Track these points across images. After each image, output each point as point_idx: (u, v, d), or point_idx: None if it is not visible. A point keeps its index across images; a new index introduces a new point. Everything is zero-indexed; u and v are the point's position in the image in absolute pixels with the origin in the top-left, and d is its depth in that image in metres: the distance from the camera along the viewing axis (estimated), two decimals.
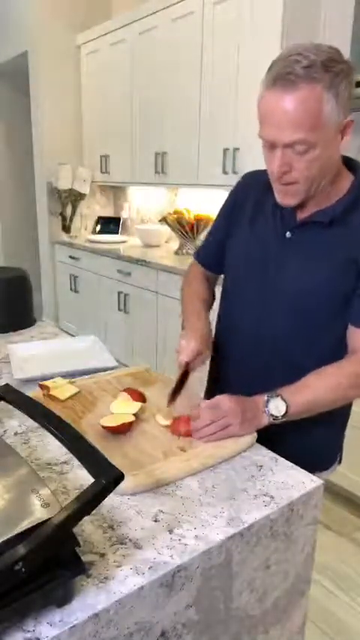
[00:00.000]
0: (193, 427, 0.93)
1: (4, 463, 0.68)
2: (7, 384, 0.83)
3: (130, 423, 0.94)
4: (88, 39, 3.74)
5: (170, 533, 0.71)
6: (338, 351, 1.02)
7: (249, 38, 2.44)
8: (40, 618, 0.57)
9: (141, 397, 1.06)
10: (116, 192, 4.35)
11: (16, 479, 0.64)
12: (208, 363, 1.18)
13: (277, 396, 0.94)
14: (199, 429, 0.92)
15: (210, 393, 1.22)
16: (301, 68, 0.83)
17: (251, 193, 1.13)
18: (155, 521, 0.73)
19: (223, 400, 0.93)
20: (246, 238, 1.12)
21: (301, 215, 1.03)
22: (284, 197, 0.98)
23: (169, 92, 3.05)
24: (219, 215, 1.23)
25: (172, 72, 3.00)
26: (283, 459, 0.91)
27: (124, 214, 4.18)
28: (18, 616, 0.56)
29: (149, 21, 3.12)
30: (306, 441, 1.05)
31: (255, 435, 0.95)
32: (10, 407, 0.79)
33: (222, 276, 1.24)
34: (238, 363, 1.17)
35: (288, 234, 1.04)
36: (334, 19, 2.35)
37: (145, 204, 4.00)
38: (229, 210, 1.18)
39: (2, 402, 0.80)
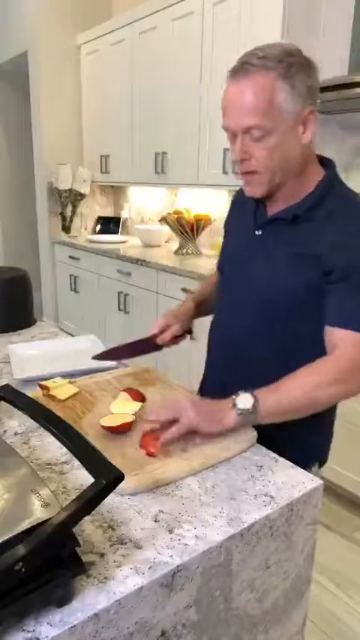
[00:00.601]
0: (146, 434, 0.90)
1: (4, 463, 0.68)
2: (7, 384, 0.83)
3: (131, 423, 0.94)
4: (88, 39, 3.74)
5: (170, 533, 0.71)
6: (310, 350, 0.97)
7: (249, 38, 2.44)
8: (40, 618, 0.57)
9: (141, 397, 1.06)
10: (116, 192, 4.35)
11: (16, 479, 0.64)
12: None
13: (247, 392, 0.90)
14: (149, 439, 0.90)
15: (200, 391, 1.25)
16: (256, 59, 0.90)
17: (236, 207, 1.22)
18: (155, 521, 0.73)
19: (180, 402, 0.91)
20: (230, 240, 1.20)
21: (271, 212, 1.06)
22: (249, 187, 1.01)
23: (169, 92, 3.05)
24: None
25: (172, 72, 3.00)
26: (283, 459, 0.91)
27: (124, 214, 4.18)
28: (18, 616, 0.56)
29: (149, 21, 3.12)
30: (292, 437, 1.01)
31: (255, 435, 0.95)
32: (10, 407, 0.79)
33: None
34: (215, 361, 1.21)
35: (258, 231, 1.07)
36: (334, 19, 2.35)
37: (145, 204, 4.00)
38: (225, 222, 1.26)
39: (2, 402, 0.80)
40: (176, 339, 1.20)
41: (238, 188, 1.17)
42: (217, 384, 1.05)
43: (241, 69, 0.91)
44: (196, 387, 1.26)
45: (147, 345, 1.17)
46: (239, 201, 1.20)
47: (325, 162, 1.05)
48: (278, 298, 1.02)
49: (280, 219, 1.03)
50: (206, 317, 1.26)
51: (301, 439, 1.05)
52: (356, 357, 0.92)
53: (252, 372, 0.98)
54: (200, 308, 1.26)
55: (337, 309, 0.95)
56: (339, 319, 0.94)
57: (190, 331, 1.23)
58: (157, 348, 1.18)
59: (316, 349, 0.97)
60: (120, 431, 0.93)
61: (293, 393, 0.91)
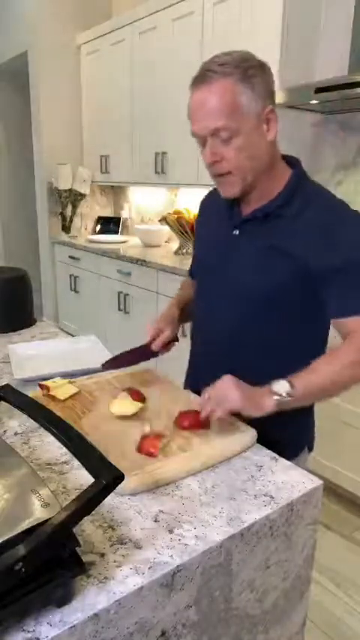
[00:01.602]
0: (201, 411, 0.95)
1: (4, 463, 0.68)
2: (7, 384, 0.83)
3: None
4: (88, 39, 3.74)
5: (170, 533, 0.71)
6: (291, 347, 1.06)
7: (249, 38, 2.44)
8: (40, 618, 0.57)
9: (141, 397, 1.06)
10: (116, 192, 4.35)
11: (16, 479, 0.64)
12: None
13: (281, 378, 0.94)
14: (203, 416, 0.95)
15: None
16: (216, 66, 0.95)
17: (207, 210, 1.27)
18: (155, 521, 0.73)
19: (222, 378, 0.96)
20: (204, 244, 1.22)
21: (245, 212, 1.09)
22: (224, 189, 1.05)
23: (169, 92, 3.05)
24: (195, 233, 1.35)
25: (172, 72, 3.00)
26: (283, 459, 0.91)
27: (124, 214, 4.18)
28: (18, 616, 0.56)
29: (149, 21, 3.12)
30: (277, 427, 1.02)
31: (255, 434, 0.95)
32: (10, 407, 0.79)
33: None
34: (201, 363, 1.23)
35: (235, 231, 1.11)
36: (334, 19, 2.35)
37: (145, 204, 4.00)
38: (197, 227, 1.31)
39: (2, 402, 0.80)
40: (167, 345, 1.20)
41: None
42: (204, 385, 1.07)
43: (203, 77, 0.96)
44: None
45: (145, 352, 1.18)
46: (209, 205, 1.26)
47: (290, 161, 1.10)
48: (256, 295, 1.06)
49: (253, 219, 1.07)
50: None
51: (292, 423, 1.09)
52: None
53: (237, 372, 0.99)
54: (184, 313, 1.27)
55: (343, 301, 0.99)
56: (348, 309, 0.99)
57: (176, 338, 1.23)
58: (154, 354, 1.19)
59: (298, 345, 1.06)
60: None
61: (323, 375, 0.97)
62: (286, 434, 1.05)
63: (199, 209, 1.31)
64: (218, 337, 1.14)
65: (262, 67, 0.99)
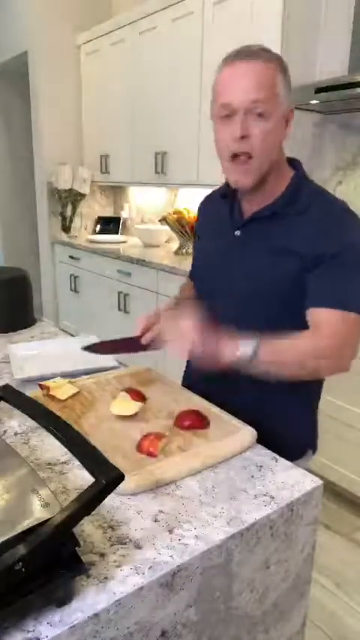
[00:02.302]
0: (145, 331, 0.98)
1: (4, 463, 0.68)
2: (7, 384, 0.83)
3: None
4: (88, 39, 3.74)
5: (170, 533, 0.71)
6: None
7: (249, 38, 2.44)
8: (40, 618, 0.57)
9: (141, 397, 1.06)
10: (116, 192, 4.35)
11: (16, 479, 0.64)
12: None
13: (250, 338, 0.95)
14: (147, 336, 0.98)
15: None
16: (257, 49, 0.97)
17: (205, 212, 1.27)
18: (155, 521, 0.73)
19: (187, 324, 0.95)
20: (206, 247, 1.22)
21: (248, 212, 1.10)
22: (239, 176, 1.03)
23: (169, 92, 3.05)
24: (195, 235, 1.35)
25: (172, 72, 3.00)
26: (283, 459, 0.91)
27: (124, 214, 4.18)
28: (18, 616, 0.56)
29: (149, 21, 3.12)
30: (279, 429, 1.03)
31: (255, 434, 0.95)
32: (10, 407, 0.79)
33: None
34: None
35: (237, 232, 1.11)
36: (334, 19, 2.35)
37: (145, 204, 4.00)
38: (197, 231, 1.31)
39: (2, 402, 0.80)
40: (158, 341, 1.17)
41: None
42: (204, 384, 1.09)
43: (246, 53, 0.96)
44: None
45: (133, 345, 1.15)
46: (207, 209, 1.27)
47: (292, 163, 1.11)
48: (264, 293, 1.06)
49: (259, 218, 1.07)
50: None
51: (296, 426, 1.14)
52: (345, 334, 0.98)
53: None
54: None
55: (321, 291, 0.99)
56: (325, 300, 0.98)
57: None
58: (143, 348, 1.16)
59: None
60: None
61: (289, 351, 0.97)
62: (288, 436, 1.05)
63: (198, 213, 1.32)
64: None
65: (288, 69, 1.01)
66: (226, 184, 1.12)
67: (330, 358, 0.99)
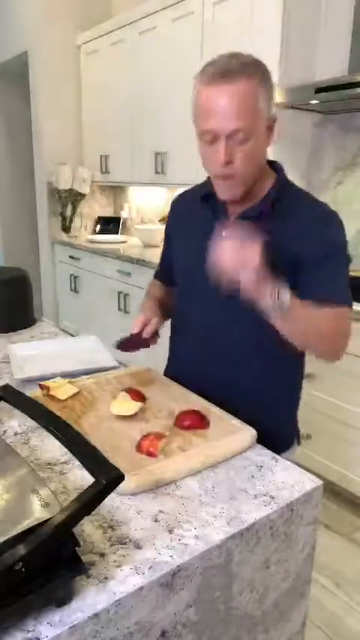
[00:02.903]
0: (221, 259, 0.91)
1: (4, 463, 0.68)
2: (7, 384, 0.83)
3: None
4: (88, 39, 3.74)
5: (170, 533, 0.71)
6: (287, 344, 1.05)
7: (249, 38, 2.44)
8: (40, 618, 0.57)
9: (141, 397, 1.06)
10: (116, 192, 4.34)
11: (16, 479, 0.64)
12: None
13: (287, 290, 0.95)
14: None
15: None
16: (237, 65, 0.94)
17: (183, 211, 1.26)
18: (155, 521, 0.73)
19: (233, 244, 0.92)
20: (188, 247, 1.20)
21: (233, 214, 1.11)
22: (227, 191, 1.05)
23: (169, 92, 3.05)
24: (164, 239, 1.35)
25: (172, 72, 3.00)
26: (283, 459, 0.91)
27: (124, 214, 4.17)
28: (18, 616, 0.56)
29: (149, 21, 3.12)
30: (267, 422, 1.04)
31: (255, 434, 0.95)
32: (10, 407, 0.79)
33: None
34: (193, 362, 1.21)
35: (224, 233, 1.09)
36: (334, 19, 2.35)
37: (145, 204, 4.00)
38: (168, 232, 1.31)
39: (2, 402, 0.80)
40: (155, 336, 1.21)
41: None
42: (197, 382, 1.10)
43: (223, 75, 0.93)
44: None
45: (138, 341, 1.18)
46: (182, 209, 1.27)
47: (274, 165, 1.12)
48: None
49: (245, 219, 1.08)
50: None
51: (285, 420, 1.20)
52: (338, 325, 1.03)
53: (233, 369, 1.02)
54: (161, 311, 1.26)
55: (312, 290, 1.02)
56: (315, 294, 1.01)
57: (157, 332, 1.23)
58: (146, 344, 1.19)
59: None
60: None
61: (311, 314, 0.99)
62: (281, 430, 1.09)
63: (171, 212, 1.30)
64: (213, 337, 1.15)
65: (270, 74, 1.00)
66: (205, 185, 1.13)
67: (326, 342, 1.04)
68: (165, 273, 1.34)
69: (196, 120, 1.01)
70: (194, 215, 1.19)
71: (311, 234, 1.04)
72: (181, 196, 1.30)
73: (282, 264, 1.03)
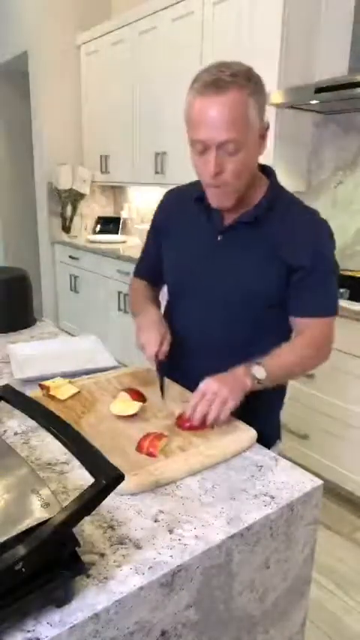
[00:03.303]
0: (195, 419, 0.95)
1: (4, 463, 0.68)
2: (7, 384, 0.83)
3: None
4: (88, 39, 3.73)
5: (170, 533, 0.71)
6: (275, 335, 1.12)
7: (249, 38, 2.44)
8: (40, 618, 0.57)
9: (141, 397, 1.06)
10: (116, 192, 4.34)
11: (16, 479, 0.64)
12: None
13: (256, 363, 1.02)
14: (198, 418, 0.95)
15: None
16: (227, 76, 0.93)
17: (176, 208, 1.25)
18: (155, 521, 0.73)
19: (208, 385, 0.97)
20: (179, 249, 1.21)
21: (228, 219, 1.12)
22: (219, 200, 1.07)
23: (169, 92, 3.05)
24: (148, 234, 1.33)
25: (172, 72, 3.00)
26: (283, 459, 0.91)
27: (124, 214, 4.18)
28: (18, 616, 0.56)
29: (149, 21, 3.12)
30: (258, 422, 1.04)
31: (255, 434, 0.96)
32: (10, 407, 0.79)
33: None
34: (190, 358, 1.19)
35: (219, 237, 1.13)
36: (334, 19, 2.35)
37: (145, 205, 4.00)
38: (157, 226, 1.29)
39: (2, 402, 0.80)
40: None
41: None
42: (190, 382, 1.08)
43: (215, 85, 0.93)
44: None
45: (159, 368, 1.13)
46: (174, 206, 1.25)
47: (265, 169, 1.13)
48: (252, 297, 1.10)
49: (241, 223, 1.10)
50: None
51: (271, 418, 1.24)
52: (325, 335, 1.12)
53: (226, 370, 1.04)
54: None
55: (302, 302, 1.09)
56: (304, 311, 1.10)
57: None
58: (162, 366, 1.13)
59: (283, 333, 1.14)
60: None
61: (286, 365, 1.08)
62: (268, 427, 1.13)
63: (163, 206, 1.28)
64: (206, 336, 1.17)
65: (262, 83, 1.00)
66: (198, 185, 1.12)
67: (315, 358, 1.13)
68: (152, 270, 1.33)
69: (187, 129, 1.02)
70: (188, 215, 1.19)
71: (300, 243, 1.06)
72: (174, 192, 1.28)
73: (281, 271, 1.07)
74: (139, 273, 1.40)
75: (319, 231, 1.09)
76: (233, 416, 1.01)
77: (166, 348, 1.12)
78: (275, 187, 1.12)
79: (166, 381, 1.18)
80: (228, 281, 1.12)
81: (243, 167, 1.00)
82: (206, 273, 1.15)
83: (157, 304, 1.32)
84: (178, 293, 1.25)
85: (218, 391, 0.95)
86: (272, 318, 1.13)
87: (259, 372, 1.01)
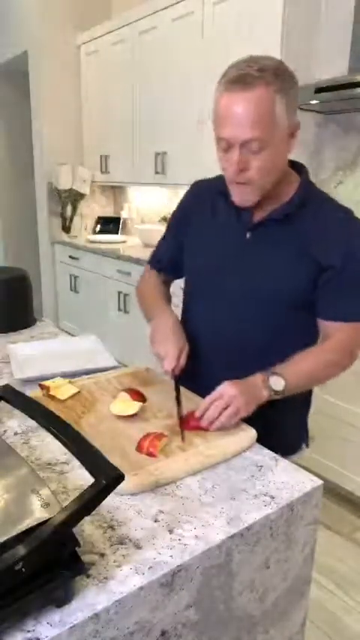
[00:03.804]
0: (204, 420, 0.95)
1: (4, 463, 0.68)
2: (7, 384, 0.83)
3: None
4: (88, 39, 3.73)
5: (170, 533, 0.71)
6: (302, 337, 1.11)
7: (249, 38, 2.44)
8: (40, 618, 0.57)
9: (141, 397, 1.06)
10: (116, 192, 4.34)
11: (16, 479, 0.64)
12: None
13: (274, 373, 1.01)
14: (210, 421, 0.95)
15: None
16: (255, 71, 0.91)
17: (203, 201, 1.20)
18: (155, 521, 0.73)
19: (225, 390, 0.96)
20: (204, 244, 1.18)
21: (257, 216, 1.09)
22: (241, 197, 1.04)
23: (169, 92, 3.05)
24: (171, 223, 1.30)
25: (172, 72, 3.00)
26: (282, 459, 0.91)
27: (124, 214, 4.17)
28: (18, 616, 0.56)
29: (149, 21, 3.11)
30: (274, 426, 1.04)
31: (255, 434, 0.95)
32: (10, 407, 0.79)
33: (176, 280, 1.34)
34: (205, 361, 1.17)
35: (248, 234, 1.10)
36: (334, 19, 2.35)
37: (145, 204, 4.00)
38: (182, 217, 1.25)
39: (2, 402, 0.80)
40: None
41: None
42: (212, 383, 1.07)
43: (241, 81, 0.91)
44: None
45: (176, 384, 1.09)
46: (203, 196, 1.20)
47: (296, 166, 1.11)
48: (283, 295, 1.07)
49: (271, 221, 1.07)
50: None
51: (297, 422, 1.22)
52: (353, 341, 1.08)
53: (249, 370, 1.02)
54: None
55: (331, 305, 1.06)
56: (334, 314, 1.07)
57: None
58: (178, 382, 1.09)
59: (308, 336, 1.12)
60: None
61: (308, 372, 1.06)
62: (288, 433, 1.10)
63: (193, 196, 1.24)
64: (234, 337, 1.13)
65: (294, 78, 0.96)
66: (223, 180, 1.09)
67: (339, 364, 1.09)
68: (170, 260, 1.28)
69: (214, 126, 0.99)
70: (215, 210, 1.15)
71: (332, 241, 1.03)
72: (204, 184, 1.24)
73: (312, 270, 1.04)
74: (158, 263, 1.33)
75: (353, 231, 1.05)
76: (249, 418, 1.00)
77: (183, 362, 1.08)
78: (307, 184, 1.08)
79: (167, 380, 1.18)
80: (256, 279, 1.09)
81: (268, 165, 0.97)
82: (233, 271, 1.11)
83: (170, 301, 1.30)
84: (198, 293, 1.21)
85: (234, 399, 0.94)
86: (294, 321, 1.10)
87: (276, 383, 0.99)
